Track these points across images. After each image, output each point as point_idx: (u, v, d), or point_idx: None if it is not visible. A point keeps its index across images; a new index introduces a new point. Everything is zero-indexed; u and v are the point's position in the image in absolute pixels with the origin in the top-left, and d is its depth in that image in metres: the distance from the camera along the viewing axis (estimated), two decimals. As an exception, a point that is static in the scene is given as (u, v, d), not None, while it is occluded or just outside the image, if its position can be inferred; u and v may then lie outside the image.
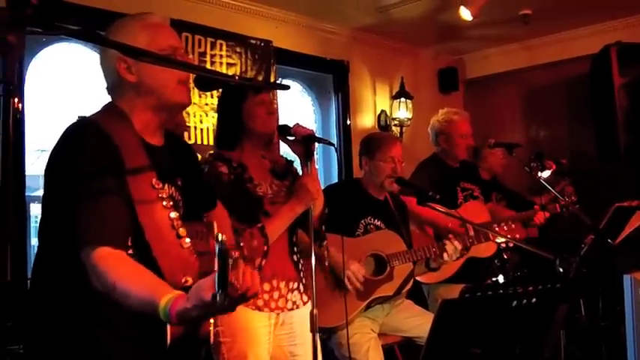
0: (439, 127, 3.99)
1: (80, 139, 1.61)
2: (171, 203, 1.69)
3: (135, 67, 1.70)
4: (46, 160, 1.65)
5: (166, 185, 1.71)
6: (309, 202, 2.41)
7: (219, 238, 1.29)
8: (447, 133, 3.95)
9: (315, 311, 2.25)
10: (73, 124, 1.66)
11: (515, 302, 1.80)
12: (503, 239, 3.41)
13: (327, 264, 2.82)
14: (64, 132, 1.65)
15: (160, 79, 1.71)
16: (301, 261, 2.60)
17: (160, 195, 1.66)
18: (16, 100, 3.35)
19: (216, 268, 1.30)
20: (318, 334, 2.26)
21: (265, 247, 2.33)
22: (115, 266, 1.52)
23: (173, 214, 1.67)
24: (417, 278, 3.53)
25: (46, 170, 1.65)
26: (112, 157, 1.60)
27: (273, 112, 2.54)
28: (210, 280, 1.37)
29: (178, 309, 1.42)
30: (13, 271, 3.28)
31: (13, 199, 3.38)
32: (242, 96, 2.51)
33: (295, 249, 2.59)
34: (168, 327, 1.52)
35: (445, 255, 3.11)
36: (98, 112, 1.75)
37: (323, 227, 2.56)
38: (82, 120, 1.68)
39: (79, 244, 1.53)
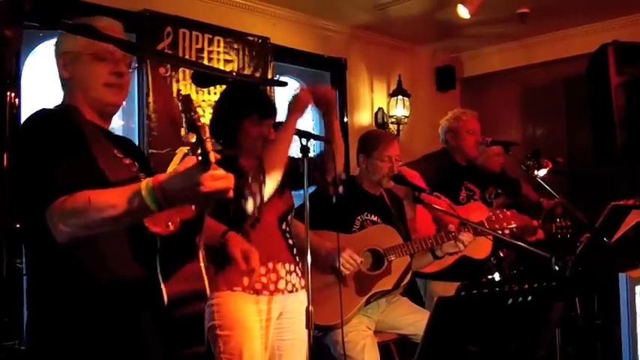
0: (447, 125, 3.97)
1: (46, 121, 1.67)
2: (135, 168, 1.76)
3: (70, 66, 1.77)
4: (13, 146, 1.70)
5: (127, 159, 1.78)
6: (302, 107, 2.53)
7: (181, 96, 1.32)
8: (454, 129, 3.93)
9: (310, 308, 2.25)
10: (35, 112, 1.71)
11: (511, 300, 1.80)
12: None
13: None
14: (29, 119, 1.69)
15: (85, 80, 1.78)
16: (296, 245, 2.62)
17: (124, 162, 1.74)
18: (12, 94, 3.35)
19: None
20: (312, 332, 2.27)
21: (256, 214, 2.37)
22: (84, 192, 1.52)
23: (141, 174, 1.73)
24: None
25: (14, 155, 1.67)
26: (77, 135, 1.64)
27: (267, 138, 2.52)
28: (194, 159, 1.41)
29: (162, 179, 1.46)
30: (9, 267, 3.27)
31: (8, 195, 3.36)
32: (245, 113, 2.50)
33: (288, 235, 2.62)
34: (163, 287, 1.57)
35: (460, 244, 3.11)
36: (53, 108, 1.80)
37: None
38: (43, 108, 1.73)
39: (44, 203, 1.53)
